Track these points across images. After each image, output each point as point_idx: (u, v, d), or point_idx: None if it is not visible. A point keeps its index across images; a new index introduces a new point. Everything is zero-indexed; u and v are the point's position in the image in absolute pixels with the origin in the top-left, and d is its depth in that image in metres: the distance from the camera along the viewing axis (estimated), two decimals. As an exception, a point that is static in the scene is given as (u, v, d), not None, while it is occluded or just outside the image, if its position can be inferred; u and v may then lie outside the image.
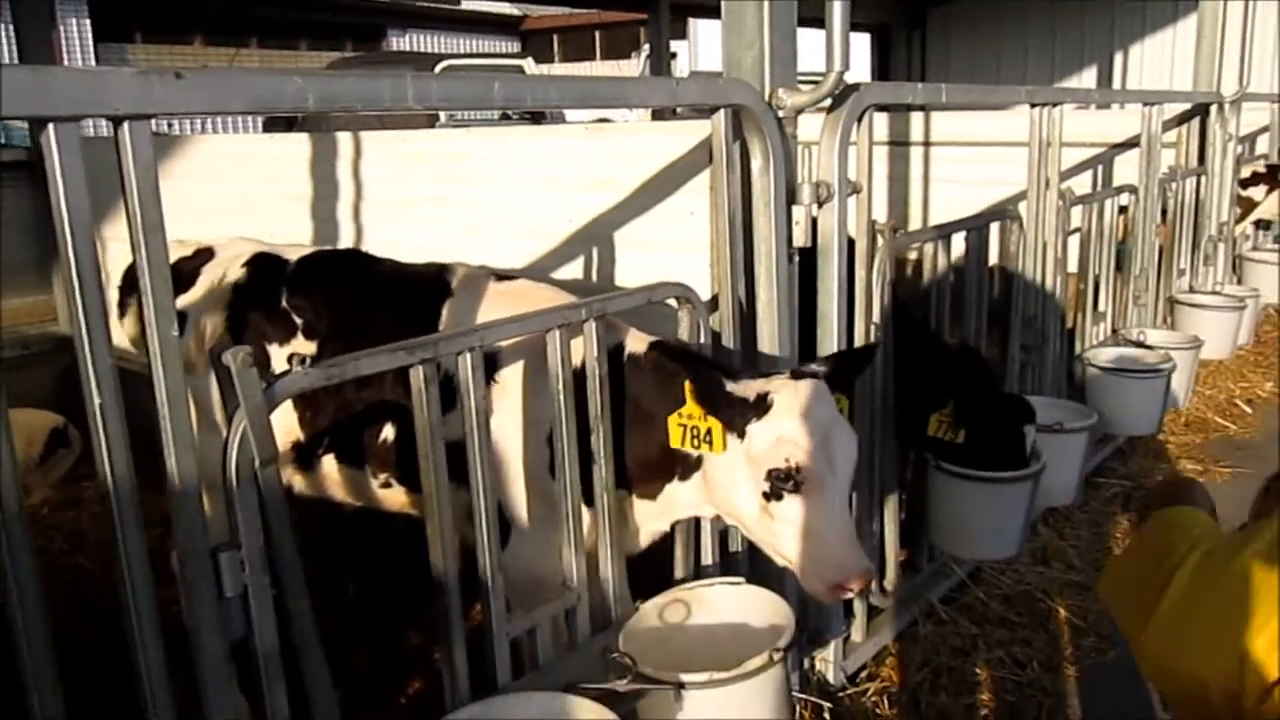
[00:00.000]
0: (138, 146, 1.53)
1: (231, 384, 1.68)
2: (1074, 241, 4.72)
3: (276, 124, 11.96)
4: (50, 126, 1.44)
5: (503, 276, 2.90)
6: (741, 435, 2.31)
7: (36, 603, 1.53)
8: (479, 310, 2.71)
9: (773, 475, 2.27)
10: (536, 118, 11.52)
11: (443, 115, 11.11)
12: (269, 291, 2.93)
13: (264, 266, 3.03)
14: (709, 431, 2.33)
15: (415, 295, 2.82)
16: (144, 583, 1.62)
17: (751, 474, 2.30)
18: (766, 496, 2.29)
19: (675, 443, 2.36)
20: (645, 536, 2.72)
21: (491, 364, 2.46)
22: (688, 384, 2.31)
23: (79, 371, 1.53)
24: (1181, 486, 1.77)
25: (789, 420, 2.27)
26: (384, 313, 2.82)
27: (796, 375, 2.38)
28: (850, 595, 2.33)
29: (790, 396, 2.30)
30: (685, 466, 2.49)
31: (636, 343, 2.58)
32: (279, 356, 2.81)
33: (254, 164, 4.55)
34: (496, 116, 11.57)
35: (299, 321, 2.89)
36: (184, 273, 3.01)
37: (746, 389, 2.34)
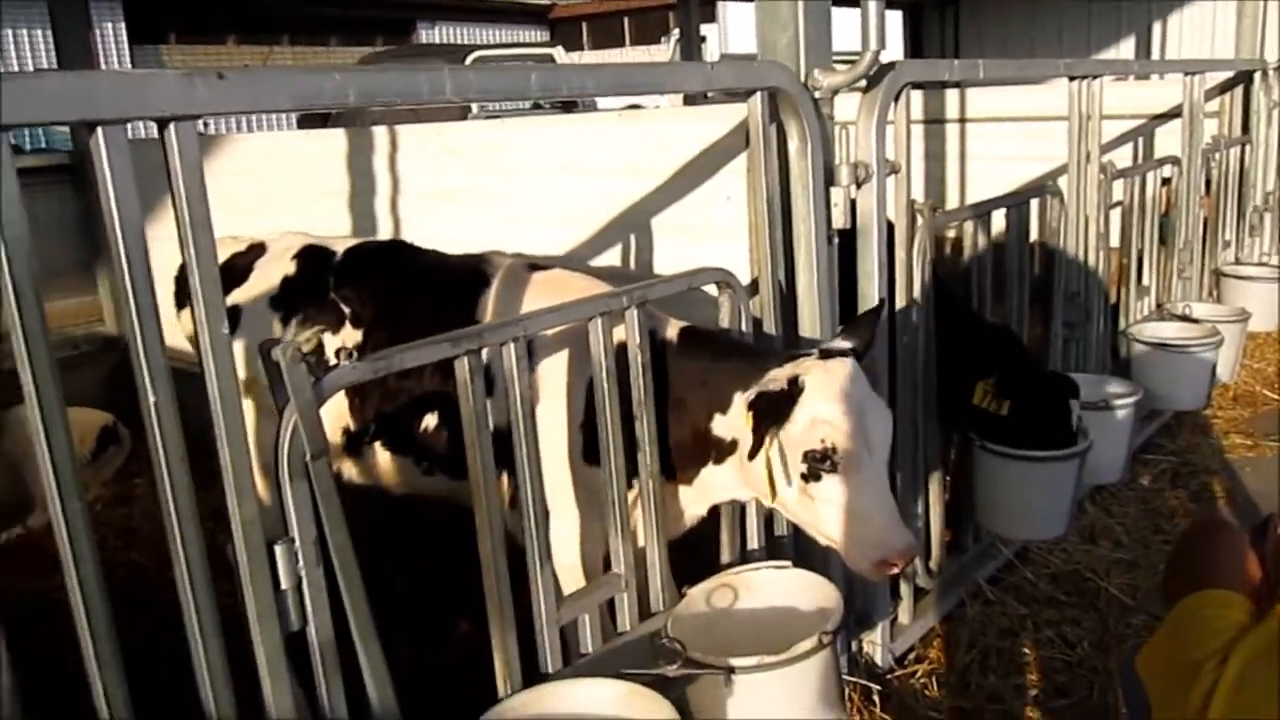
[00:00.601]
0: (184, 146, 1.55)
1: (281, 379, 1.70)
2: (1115, 215, 4.65)
3: (311, 121, 12.05)
4: (99, 130, 1.46)
5: (539, 266, 2.92)
6: (779, 426, 2.31)
7: (100, 598, 1.56)
8: (517, 300, 2.75)
9: (810, 457, 2.26)
10: (568, 107, 11.53)
11: (474, 107, 11.14)
12: (318, 283, 2.99)
13: (312, 259, 3.08)
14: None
15: (456, 286, 2.87)
16: (202, 576, 1.65)
17: (789, 457, 2.30)
18: (805, 478, 2.29)
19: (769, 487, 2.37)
20: (687, 520, 2.73)
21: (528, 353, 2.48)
22: (758, 427, 2.28)
23: (133, 370, 1.56)
24: (1208, 546, 1.68)
25: (822, 402, 2.26)
26: (426, 302, 2.88)
27: (825, 354, 2.37)
28: (895, 571, 2.33)
29: (821, 377, 2.29)
30: (720, 450, 2.49)
31: (670, 329, 2.60)
32: (329, 345, 2.86)
33: (291, 161, 4.59)
34: (528, 107, 11.59)
35: (347, 311, 2.94)
36: (237, 268, 3.08)
37: (778, 376, 2.33)
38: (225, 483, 1.65)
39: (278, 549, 1.72)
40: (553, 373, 2.57)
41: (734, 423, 2.43)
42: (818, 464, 2.26)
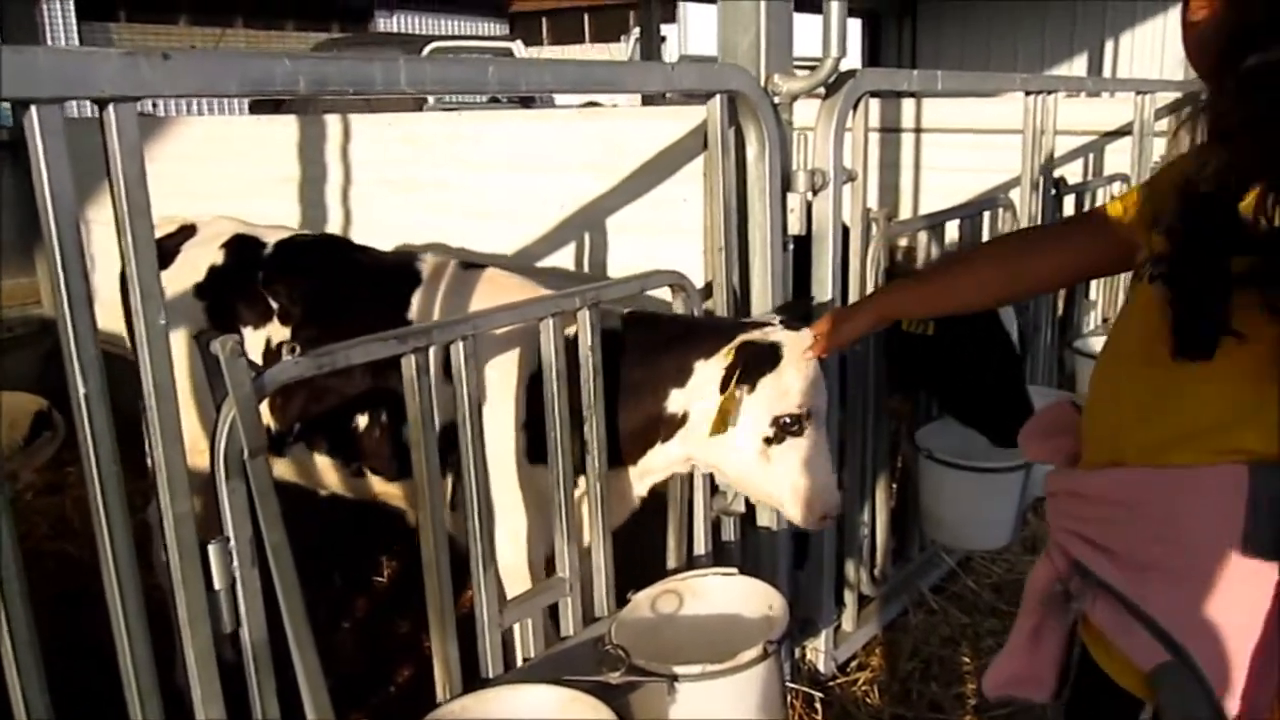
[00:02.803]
0: (123, 129, 1.49)
1: (220, 373, 1.65)
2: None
3: (263, 106, 11.84)
4: (33, 109, 1.40)
5: (473, 265, 2.91)
6: (753, 388, 2.38)
7: (20, 592, 1.50)
8: (449, 299, 2.74)
9: (779, 421, 2.37)
10: (525, 103, 11.43)
11: (431, 99, 11.01)
12: (246, 275, 2.93)
13: (242, 249, 3.01)
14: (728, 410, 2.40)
15: (387, 283, 2.84)
16: (130, 574, 1.59)
17: (757, 422, 2.39)
18: (768, 441, 2.38)
19: (714, 433, 2.41)
20: (629, 506, 2.74)
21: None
22: (738, 375, 2.35)
23: (63, 359, 1.50)
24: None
25: (799, 367, 2.38)
26: (356, 300, 2.85)
27: (787, 325, 2.46)
28: (828, 524, 2.54)
29: (797, 344, 2.40)
30: (670, 427, 2.53)
31: (610, 319, 2.59)
32: (255, 340, 2.81)
33: (242, 146, 4.50)
34: (485, 100, 11.48)
35: (274, 305, 2.88)
36: (164, 250, 2.99)
37: (758, 337, 2.42)
38: (158, 479, 1.59)
39: (211, 548, 1.67)
40: (494, 371, 2.53)
41: (690, 393, 2.47)
42: (787, 428, 2.38)
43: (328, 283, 2.92)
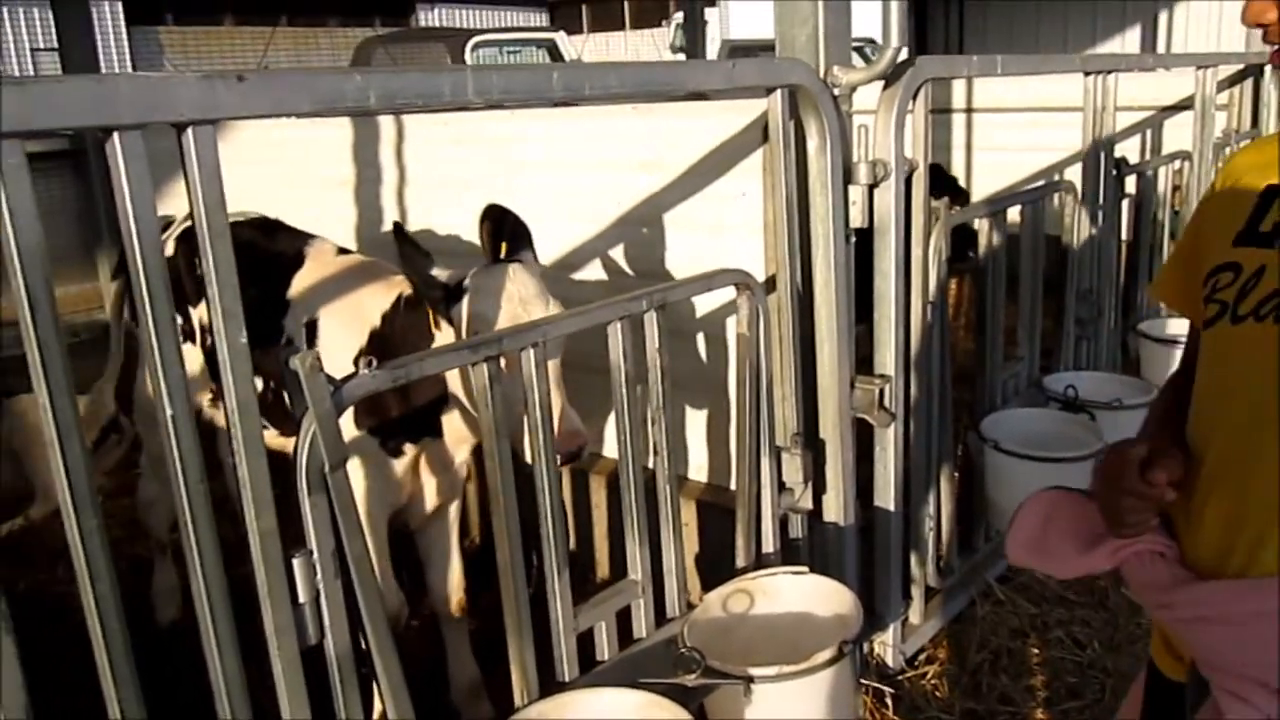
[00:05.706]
0: (202, 153, 1.51)
1: (300, 388, 1.66)
2: (1124, 208, 4.62)
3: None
4: (115, 135, 1.42)
5: (344, 251, 3.19)
6: (450, 322, 2.49)
7: (113, 597, 1.53)
8: (315, 279, 3.01)
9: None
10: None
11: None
12: (190, 265, 3.15)
13: (187, 243, 3.22)
14: None
15: (278, 267, 3.09)
16: (221, 596, 1.62)
17: None
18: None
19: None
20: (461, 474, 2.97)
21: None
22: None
23: (152, 383, 1.52)
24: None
25: (482, 299, 2.43)
26: (254, 283, 3.09)
27: (500, 261, 2.58)
28: (575, 450, 2.38)
29: (482, 277, 2.48)
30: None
31: (399, 286, 2.79)
32: (196, 319, 3.19)
33: (298, 149, 4.53)
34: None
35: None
36: None
37: (450, 278, 2.53)
38: (244, 496, 1.61)
39: (296, 562, 1.69)
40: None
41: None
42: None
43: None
